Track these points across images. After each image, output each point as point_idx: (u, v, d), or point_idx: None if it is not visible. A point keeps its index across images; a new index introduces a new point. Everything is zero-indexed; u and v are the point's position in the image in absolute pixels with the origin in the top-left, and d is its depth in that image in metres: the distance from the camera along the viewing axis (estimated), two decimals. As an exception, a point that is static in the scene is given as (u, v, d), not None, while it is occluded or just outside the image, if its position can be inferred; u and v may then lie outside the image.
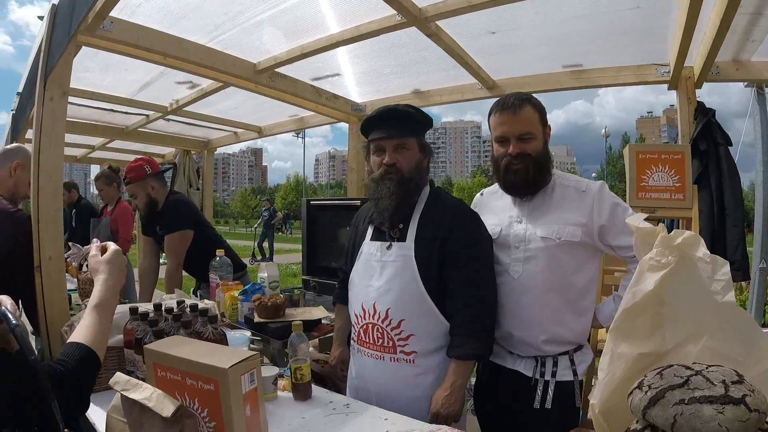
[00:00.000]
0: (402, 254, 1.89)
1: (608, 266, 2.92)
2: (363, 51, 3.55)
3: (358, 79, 4.28)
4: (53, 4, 2.62)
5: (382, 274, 1.91)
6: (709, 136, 3.31)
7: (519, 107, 1.91)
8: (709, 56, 2.97)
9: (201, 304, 2.24)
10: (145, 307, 1.99)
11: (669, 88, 3.58)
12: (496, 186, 2.14)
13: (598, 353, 2.79)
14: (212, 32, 3.11)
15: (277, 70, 3.75)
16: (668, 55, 3.37)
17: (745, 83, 3.76)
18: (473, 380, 2.20)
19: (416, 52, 3.56)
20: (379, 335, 1.89)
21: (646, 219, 1.44)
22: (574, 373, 1.91)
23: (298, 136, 55.46)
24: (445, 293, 1.87)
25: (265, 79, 3.76)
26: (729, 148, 3.35)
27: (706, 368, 1.03)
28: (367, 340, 1.95)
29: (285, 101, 4.41)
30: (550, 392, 1.87)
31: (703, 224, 3.11)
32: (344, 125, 5.04)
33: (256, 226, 19.25)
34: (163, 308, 1.88)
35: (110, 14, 2.60)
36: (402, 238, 1.92)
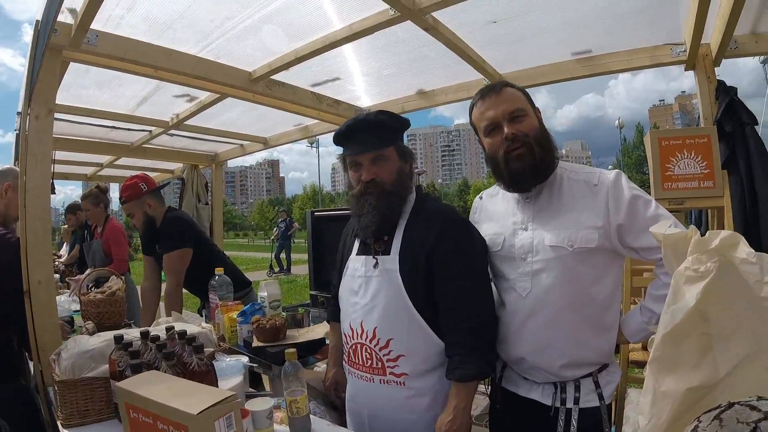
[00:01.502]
0: (386, 268, 1.76)
1: (636, 266, 2.67)
2: (360, 52, 3.40)
3: (359, 82, 4.12)
4: (36, 20, 2.51)
5: (366, 291, 1.79)
6: (734, 116, 3.07)
7: (500, 88, 1.74)
8: (727, 30, 2.75)
9: (194, 328, 2.11)
10: (133, 334, 1.86)
11: (686, 69, 3.35)
12: (495, 188, 1.95)
13: (632, 365, 2.62)
14: (201, 41, 2.98)
15: (273, 77, 3.61)
16: (683, 33, 3.16)
17: (762, 60, 3.54)
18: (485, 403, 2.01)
19: (416, 50, 3.39)
20: (368, 356, 1.77)
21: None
22: (600, 397, 1.67)
23: (311, 146, 55.21)
24: (437, 309, 1.72)
25: (262, 87, 3.61)
26: (756, 127, 3.11)
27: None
28: (357, 361, 1.82)
29: (286, 110, 4.26)
30: (574, 422, 1.64)
31: (735, 212, 2.88)
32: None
33: (273, 237, 19.13)
34: (149, 336, 1.73)
35: (94, 27, 2.48)
36: (386, 251, 1.79)
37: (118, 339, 1.67)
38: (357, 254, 1.90)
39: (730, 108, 3.09)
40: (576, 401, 1.66)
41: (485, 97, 1.75)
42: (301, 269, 17.98)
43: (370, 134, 1.78)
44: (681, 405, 1.08)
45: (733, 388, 1.06)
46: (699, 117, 3.38)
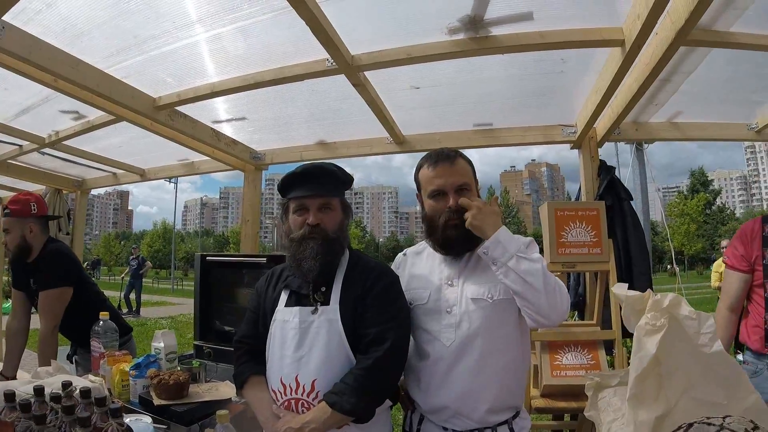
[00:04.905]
0: (326, 318, 1.73)
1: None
2: (275, 96, 3.33)
3: (262, 125, 4.02)
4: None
5: (302, 343, 1.72)
6: (613, 192, 3.54)
7: (454, 158, 1.86)
8: (618, 119, 3.16)
9: (84, 382, 1.83)
10: (22, 389, 1.57)
11: (572, 147, 3.77)
12: (420, 245, 2.05)
13: (535, 411, 2.75)
14: (114, 56, 2.71)
15: (178, 108, 3.40)
16: (574, 117, 3.55)
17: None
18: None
19: (333, 102, 3.43)
20: (306, 411, 1.67)
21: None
22: None
23: (169, 181, 52.12)
24: None
25: (164, 116, 3.37)
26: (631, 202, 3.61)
27: (724, 420, 1.23)
28: None
29: (180, 143, 3.99)
30: None
31: (614, 274, 3.27)
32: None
33: (123, 275, 17.52)
34: (46, 394, 1.44)
35: (3, 18, 2.18)
36: (326, 302, 1.77)
37: (9, 397, 1.38)
38: (287, 306, 1.82)
39: (610, 185, 3.56)
40: None
41: (439, 163, 1.85)
42: (150, 311, 16.75)
43: (322, 181, 1.83)
44: (654, 430, 1.47)
45: (680, 414, 1.45)
46: (580, 190, 3.79)
